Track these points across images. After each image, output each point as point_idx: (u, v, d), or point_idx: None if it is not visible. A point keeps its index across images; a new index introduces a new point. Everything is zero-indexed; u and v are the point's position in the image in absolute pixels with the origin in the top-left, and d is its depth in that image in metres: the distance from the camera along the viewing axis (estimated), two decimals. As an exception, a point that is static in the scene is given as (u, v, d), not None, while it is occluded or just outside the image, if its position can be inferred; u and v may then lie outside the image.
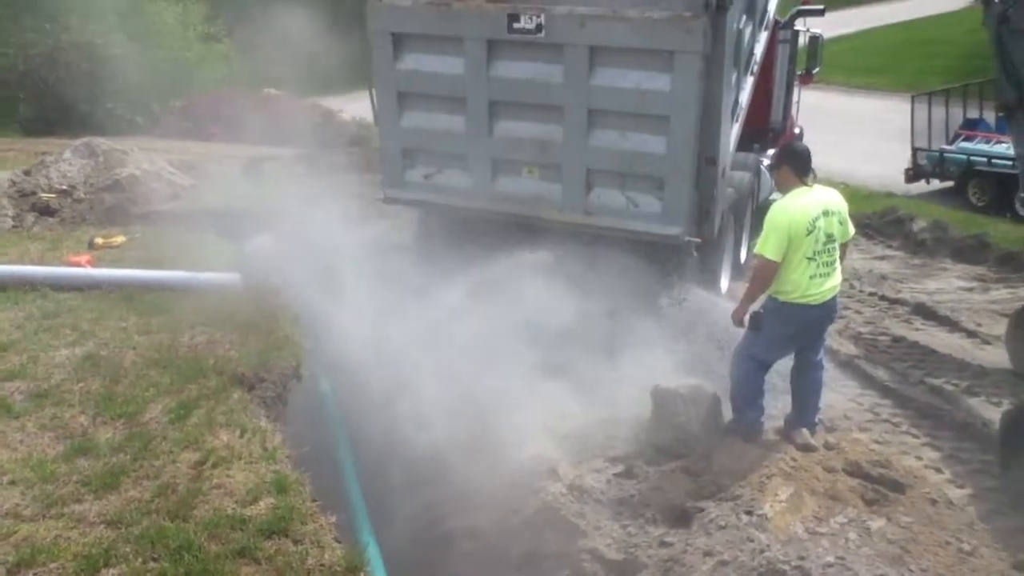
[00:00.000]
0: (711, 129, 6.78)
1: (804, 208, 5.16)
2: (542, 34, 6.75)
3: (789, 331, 5.36)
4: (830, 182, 14.84)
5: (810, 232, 5.13)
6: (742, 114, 8.01)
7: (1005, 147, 13.16)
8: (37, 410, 4.85)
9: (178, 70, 22.41)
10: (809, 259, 5.16)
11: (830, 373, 6.37)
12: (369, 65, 7.76)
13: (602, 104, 6.79)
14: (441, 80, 7.27)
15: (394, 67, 7.42)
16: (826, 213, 5.22)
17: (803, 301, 5.22)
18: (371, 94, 7.84)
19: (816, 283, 5.20)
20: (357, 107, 19.47)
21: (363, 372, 6.12)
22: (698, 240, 7.08)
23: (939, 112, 15.11)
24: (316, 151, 15.59)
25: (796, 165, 5.31)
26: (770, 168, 5.63)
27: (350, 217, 9.87)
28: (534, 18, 6.75)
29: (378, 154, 8.34)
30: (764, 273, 5.23)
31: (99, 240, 8.51)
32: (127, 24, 21.08)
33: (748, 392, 5.51)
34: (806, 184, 5.30)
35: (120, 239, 8.64)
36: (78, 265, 7.44)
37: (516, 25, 6.81)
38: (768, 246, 5.14)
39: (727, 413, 5.74)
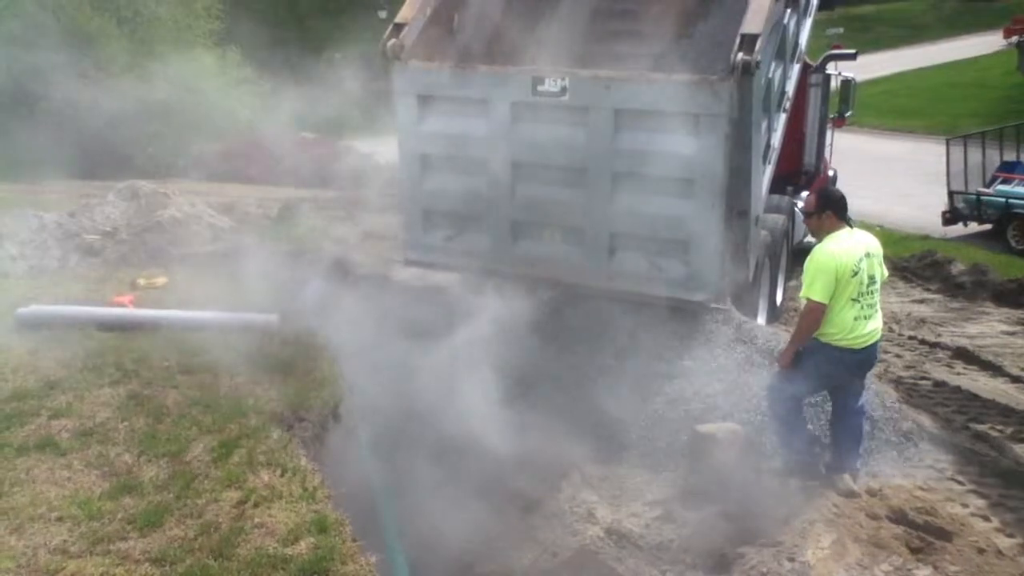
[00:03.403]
0: (741, 184, 6.69)
1: (848, 250, 5.23)
2: (566, 97, 6.69)
3: (830, 371, 5.40)
4: (865, 225, 14.80)
5: (855, 274, 5.20)
6: (775, 155, 7.99)
7: (1044, 190, 13.07)
8: (83, 448, 4.92)
9: (217, 113, 22.89)
10: (854, 300, 5.22)
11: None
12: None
13: (626, 167, 6.69)
14: (464, 142, 7.23)
15: (418, 129, 7.37)
16: (868, 255, 5.31)
17: (847, 344, 5.28)
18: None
19: (860, 325, 5.27)
20: (392, 150, 19.77)
21: (400, 413, 6.17)
22: (725, 307, 6.99)
23: (975, 155, 15.04)
24: (352, 193, 15.82)
25: (837, 209, 5.38)
26: (806, 214, 5.51)
27: (385, 258, 10.04)
28: (559, 81, 6.70)
29: (401, 215, 8.23)
30: (813, 316, 5.26)
31: (141, 281, 8.65)
32: (168, 69, 21.60)
33: (795, 427, 5.52)
34: (848, 226, 5.36)
35: (162, 280, 8.78)
36: (121, 305, 7.57)
37: (540, 88, 6.76)
38: (815, 289, 5.20)
39: (765, 455, 5.70)
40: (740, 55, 6.06)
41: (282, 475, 4.65)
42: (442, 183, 7.51)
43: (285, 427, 5.26)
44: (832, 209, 5.35)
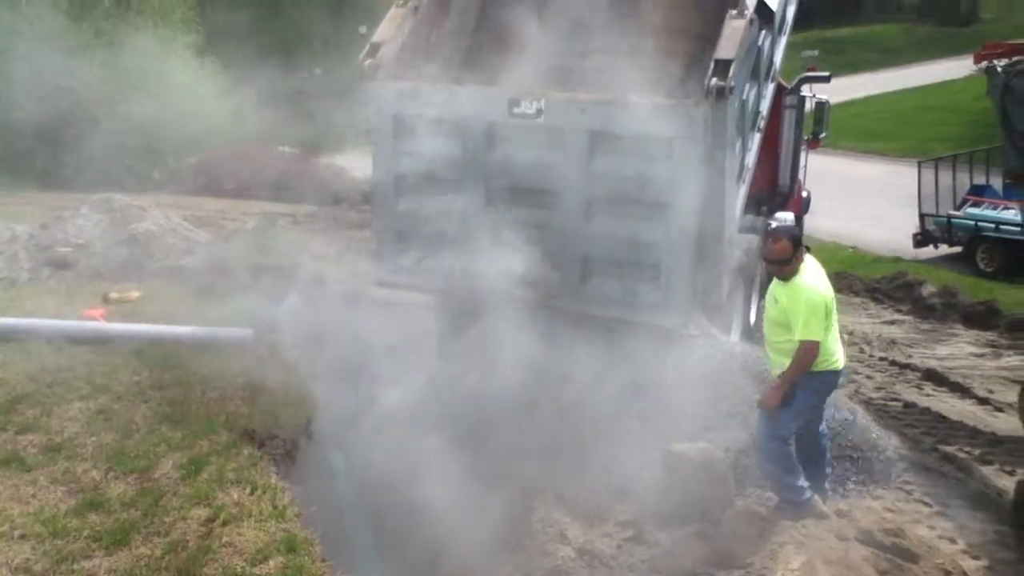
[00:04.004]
0: (715, 206, 6.71)
1: (823, 281, 5.34)
2: (542, 119, 6.70)
3: (818, 400, 5.49)
4: (838, 246, 15.02)
5: (833, 301, 5.34)
6: (749, 175, 8.05)
7: (1012, 213, 13.26)
8: (50, 464, 4.87)
9: (194, 127, 22.81)
10: (831, 325, 5.32)
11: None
12: None
13: (601, 190, 6.69)
14: (440, 162, 7.19)
15: (394, 148, 7.33)
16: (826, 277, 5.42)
17: (831, 367, 5.35)
18: None
19: (838, 346, 5.40)
20: (368, 165, 19.76)
21: (372, 431, 6.14)
22: (697, 332, 6.99)
23: (946, 178, 15.25)
24: (328, 208, 15.81)
25: (801, 244, 5.44)
26: (781, 262, 5.32)
27: (361, 274, 10.01)
28: (535, 103, 6.69)
29: (374, 234, 8.19)
30: (811, 355, 5.21)
31: (114, 294, 8.59)
32: (146, 81, 21.52)
33: (787, 466, 5.44)
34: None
35: (135, 294, 8.72)
36: (93, 319, 7.51)
37: (516, 109, 6.75)
38: (812, 329, 5.15)
39: (738, 478, 5.72)
40: (714, 80, 6.10)
41: (252, 493, 4.62)
42: (417, 203, 7.45)
43: (256, 444, 5.24)
44: (800, 247, 5.37)
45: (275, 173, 19.96)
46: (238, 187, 19.74)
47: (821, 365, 5.28)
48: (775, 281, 5.41)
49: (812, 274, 5.29)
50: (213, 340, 6.93)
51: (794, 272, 5.26)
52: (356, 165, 20.70)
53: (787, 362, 5.25)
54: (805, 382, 5.30)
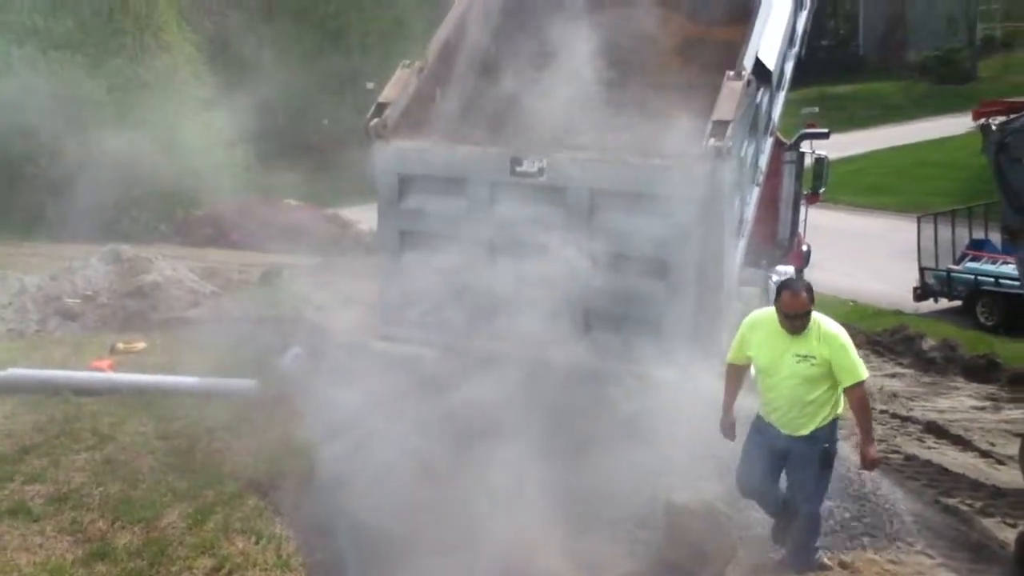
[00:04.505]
0: (714, 260, 6.76)
1: None
2: (544, 177, 6.80)
3: None
4: (839, 300, 15.10)
5: None
6: (747, 228, 8.16)
7: (1011, 268, 13.35)
8: (57, 514, 4.92)
9: (201, 179, 23.08)
10: None
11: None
12: None
13: (602, 246, 6.73)
14: (444, 220, 7.26)
15: (398, 206, 7.42)
16: None
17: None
18: None
19: None
20: (374, 217, 19.95)
21: (374, 483, 6.17)
22: (697, 382, 7.05)
23: (945, 232, 15.44)
24: (335, 260, 15.95)
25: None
26: (802, 315, 5.25)
27: (365, 327, 10.09)
28: (536, 162, 6.80)
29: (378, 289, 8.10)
30: (866, 395, 5.30)
31: (120, 345, 8.68)
32: (155, 134, 21.86)
33: (819, 529, 5.53)
34: None
35: (141, 345, 8.82)
36: (100, 370, 7.59)
37: (519, 168, 6.85)
38: (862, 367, 5.17)
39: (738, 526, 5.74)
40: (712, 141, 6.21)
41: (257, 542, 4.67)
42: (420, 259, 7.44)
43: (261, 494, 5.28)
44: (813, 303, 5.25)
45: (281, 225, 20.16)
46: (244, 239, 19.90)
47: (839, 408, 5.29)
48: (790, 340, 5.21)
49: (825, 318, 5.28)
50: (218, 391, 6.99)
51: (806, 325, 5.17)
52: (361, 217, 20.95)
53: (816, 419, 5.20)
54: (834, 430, 5.32)
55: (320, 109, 28.78)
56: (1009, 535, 6.04)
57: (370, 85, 23.69)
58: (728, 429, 5.67)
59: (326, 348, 8.59)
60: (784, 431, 5.33)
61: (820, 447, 5.28)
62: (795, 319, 5.16)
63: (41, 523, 4.83)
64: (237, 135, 24.83)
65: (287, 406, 6.97)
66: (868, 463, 5.35)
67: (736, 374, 5.69)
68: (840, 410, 5.31)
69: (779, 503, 5.56)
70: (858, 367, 5.11)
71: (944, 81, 40.86)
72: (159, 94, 23.07)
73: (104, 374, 7.42)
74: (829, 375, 5.11)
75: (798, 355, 5.14)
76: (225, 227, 21.02)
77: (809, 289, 5.29)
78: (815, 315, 5.23)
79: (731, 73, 6.76)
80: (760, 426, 5.52)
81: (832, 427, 5.32)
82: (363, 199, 22.23)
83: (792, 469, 5.40)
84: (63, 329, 9.79)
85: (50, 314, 10.24)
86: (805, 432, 5.26)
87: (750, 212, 8.23)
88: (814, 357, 5.10)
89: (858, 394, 5.15)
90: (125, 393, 7.05)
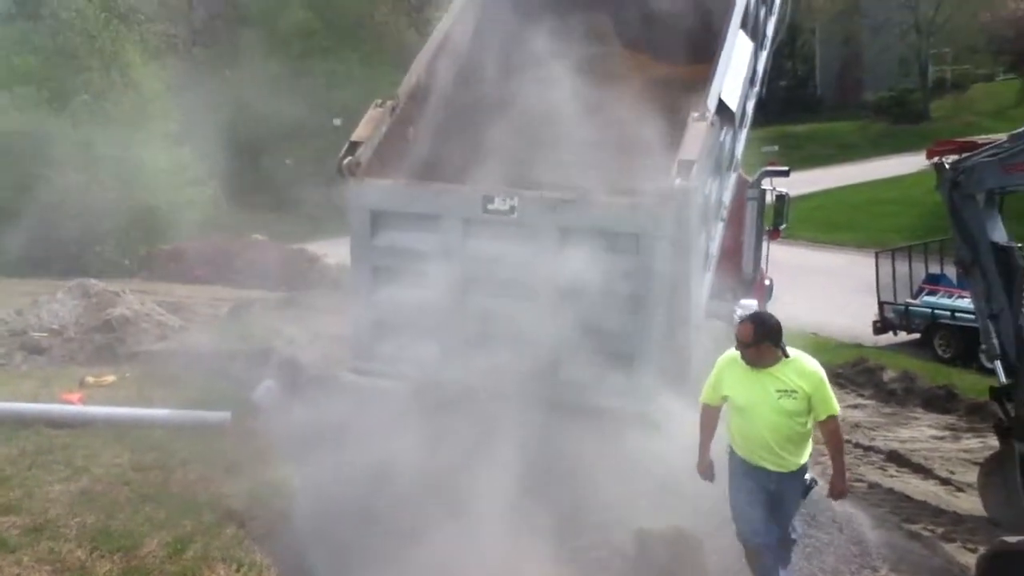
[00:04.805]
0: (681, 295, 6.95)
1: None
2: (515, 215, 6.92)
3: None
4: (802, 333, 15.36)
5: None
6: (713, 262, 8.37)
7: (966, 301, 13.73)
8: (33, 544, 4.90)
9: (167, 213, 23.00)
10: None
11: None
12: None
13: (572, 282, 6.81)
14: (417, 256, 7.31)
15: (371, 243, 7.45)
16: None
17: None
18: None
19: None
20: (341, 252, 20.01)
21: (351, 511, 6.21)
22: (665, 417, 7.16)
23: (903, 267, 15.81)
24: (302, 295, 15.93)
25: (775, 339, 5.28)
26: (743, 344, 5.35)
27: (335, 360, 10.13)
28: (508, 200, 6.92)
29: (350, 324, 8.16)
30: (840, 427, 5.38)
31: (90, 379, 8.62)
32: (121, 169, 21.82)
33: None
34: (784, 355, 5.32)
35: (111, 378, 8.76)
36: (70, 403, 7.55)
37: (491, 206, 6.96)
38: (836, 401, 5.28)
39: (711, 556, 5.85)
40: (678, 181, 6.40)
41: (238, 570, 4.70)
42: (393, 295, 7.51)
43: (239, 523, 5.30)
44: (770, 340, 5.24)
45: (247, 260, 20.14)
46: (209, 274, 19.86)
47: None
48: (766, 376, 5.23)
49: (805, 356, 5.34)
50: (193, 423, 7.00)
51: (762, 364, 5.21)
52: (328, 252, 20.98)
53: (802, 452, 5.30)
54: (805, 467, 5.38)
55: (286, 146, 28.90)
56: (969, 560, 6.23)
57: (337, 122, 23.90)
58: (706, 471, 5.67)
59: (298, 381, 8.64)
60: (776, 469, 5.30)
61: (803, 479, 5.40)
62: (744, 348, 5.26)
63: (17, 554, 4.80)
64: (203, 171, 24.87)
65: (262, 438, 6.99)
66: (836, 493, 5.50)
67: (711, 416, 5.68)
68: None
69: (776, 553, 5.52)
70: (833, 401, 5.22)
71: (898, 121, 42.00)
72: (125, 130, 23.05)
73: (77, 407, 7.38)
74: (808, 409, 5.17)
75: (780, 390, 5.16)
76: (190, 262, 20.94)
77: (759, 324, 5.31)
78: (793, 351, 5.30)
79: (696, 114, 6.99)
80: (747, 470, 5.42)
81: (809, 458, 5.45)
82: (328, 234, 22.33)
83: (782, 504, 5.45)
84: (29, 363, 9.71)
85: (15, 348, 10.16)
86: (796, 467, 5.32)
87: (715, 247, 8.44)
88: (796, 392, 5.13)
89: (832, 427, 5.27)
90: (97, 426, 7.01)
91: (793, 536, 5.61)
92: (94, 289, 11.63)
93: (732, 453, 5.54)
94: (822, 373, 5.25)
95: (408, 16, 39.78)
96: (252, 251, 20.90)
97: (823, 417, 5.20)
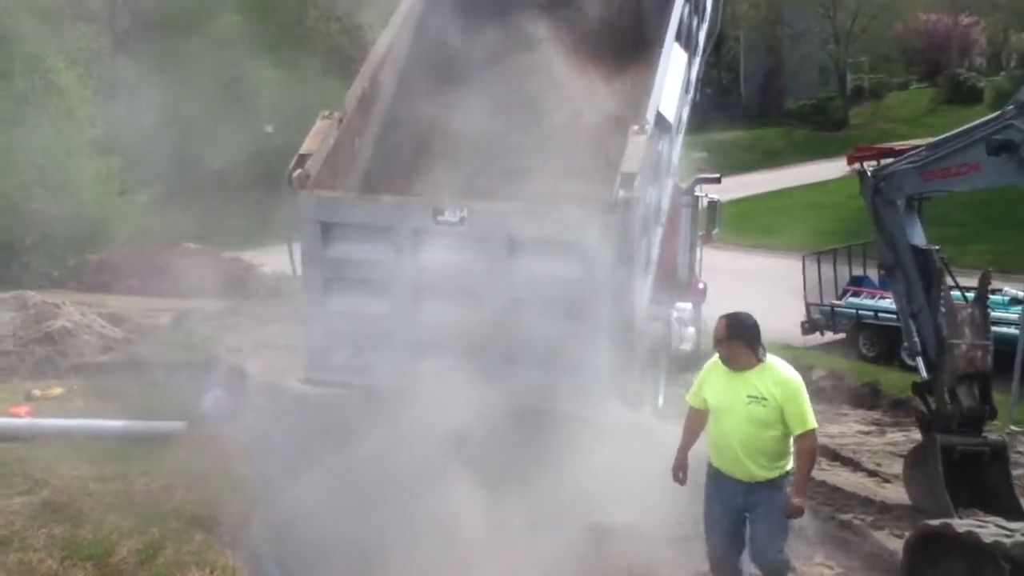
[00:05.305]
0: (625, 299, 7.20)
1: None
2: (465, 226, 7.09)
3: None
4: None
5: None
6: (653, 267, 8.69)
7: (889, 302, 14.37)
8: (2, 556, 4.93)
9: (96, 223, 22.53)
10: None
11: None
12: (287, 220, 7.92)
13: (522, 291, 7.07)
14: (368, 267, 7.44)
15: (322, 254, 7.55)
16: None
17: None
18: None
19: None
20: (276, 260, 19.93)
21: (310, 517, 6.33)
22: (614, 417, 7.36)
23: (828, 270, 16.42)
24: (239, 304, 15.86)
25: (748, 338, 5.16)
26: (715, 340, 5.33)
27: (284, 369, 10.19)
28: (458, 211, 7.09)
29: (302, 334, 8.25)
30: (817, 443, 5.09)
31: (37, 392, 8.56)
32: (47, 177, 21.31)
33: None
34: (759, 359, 5.15)
35: (58, 391, 8.72)
36: (18, 416, 7.51)
37: (441, 218, 7.13)
38: (813, 415, 4.98)
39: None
40: (621, 192, 6.68)
41: (211, 573, 4.81)
42: (345, 305, 7.64)
43: (207, 529, 5.40)
44: (742, 339, 5.11)
45: (181, 269, 19.85)
46: (142, 284, 19.49)
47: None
48: (743, 380, 5.08)
49: (782, 362, 5.18)
50: (148, 433, 7.04)
51: (736, 364, 5.10)
52: (264, 260, 20.83)
53: (774, 465, 5.04)
54: (784, 481, 5.07)
55: (216, 153, 28.49)
56: (897, 545, 6.60)
57: (268, 128, 23.73)
58: (678, 471, 5.41)
59: (246, 391, 8.72)
60: (745, 480, 5.11)
61: (783, 493, 5.06)
62: (717, 344, 5.20)
63: (-15, 566, 4.84)
64: (132, 179, 24.39)
65: (217, 447, 7.07)
66: (792, 510, 5.07)
67: (692, 419, 5.43)
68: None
69: (738, 571, 5.37)
70: (809, 415, 4.94)
71: (820, 128, 43.46)
72: (50, 137, 22.53)
73: (29, 419, 7.35)
74: (781, 421, 4.94)
75: (750, 395, 4.98)
76: (121, 273, 20.52)
77: (736, 319, 5.19)
78: (772, 358, 5.16)
79: (635, 127, 7.28)
80: (717, 478, 5.26)
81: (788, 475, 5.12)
82: (263, 242, 22.17)
83: (757, 520, 5.16)
84: (-32, 378, 9.56)
85: (-47, 363, 9.99)
86: (762, 477, 5.05)
87: (655, 251, 8.78)
88: (766, 399, 4.94)
89: (807, 444, 4.98)
90: (48, 438, 7.00)
91: (781, 558, 5.21)
92: (32, 301, 11.47)
93: (709, 460, 5.34)
94: (799, 383, 5.03)
95: (338, 21, 39.66)
96: (186, 260, 20.59)
97: (797, 431, 4.94)
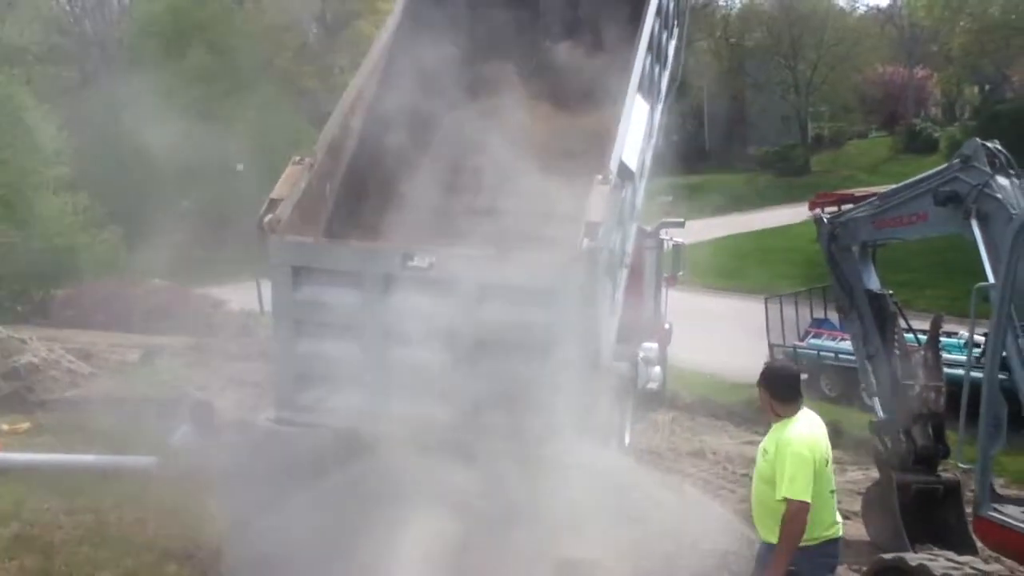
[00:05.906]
0: (591, 341, 7.32)
1: (816, 434, 4.79)
2: (434, 272, 7.11)
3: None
4: (698, 374, 16.13)
5: (827, 463, 4.79)
6: (619, 307, 8.89)
7: (848, 344, 14.70)
8: (-26, 587, 4.96)
9: (61, 259, 22.41)
10: (832, 493, 4.88)
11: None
12: (255, 258, 7.99)
13: (490, 335, 7.09)
14: (338, 310, 7.45)
15: (293, 298, 7.54)
16: (824, 435, 4.89)
17: (828, 535, 4.78)
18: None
19: (833, 511, 4.89)
20: (244, 297, 19.94)
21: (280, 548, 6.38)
22: (583, 458, 7.52)
23: (790, 312, 16.72)
24: (207, 340, 15.84)
25: (775, 390, 4.91)
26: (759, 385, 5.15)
27: (252, 405, 10.23)
28: (427, 257, 7.12)
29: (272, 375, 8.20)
30: (800, 518, 4.48)
31: (4, 427, 8.55)
32: (12, 213, 21.23)
33: None
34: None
35: (25, 425, 8.70)
36: (-14, 451, 7.51)
37: (410, 263, 7.15)
38: (799, 485, 4.46)
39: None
40: (586, 241, 6.76)
41: (188, 603, 4.86)
42: (315, 347, 7.62)
43: (178, 562, 5.45)
44: (764, 386, 4.91)
45: (148, 305, 19.80)
46: (108, 320, 19.40)
47: (824, 533, 4.71)
48: (768, 434, 4.88)
49: (804, 425, 4.72)
50: (119, 468, 7.07)
51: (778, 415, 4.80)
52: (232, 297, 20.81)
53: (775, 528, 4.61)
54: (800, 561, 4.55)
55: (187, 191, 28.48)
56: (856, 579, 6.82)
57: (239, 167, 23.83)
58: None
59: (214, 427, 8.75)
60: (762, 539, 4.91)
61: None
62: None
63: (-42, 597, 4.86)
64: (100, 215, 24.34)
65: (187, 482, 7.10)
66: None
67: None
68: (824, 532, 4.74)
69: None
70: (786, 482, 4.49)
71: (783, 174, 44.32)
72: (17, 173, 22.47)
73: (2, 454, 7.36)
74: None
75: (762, 448, 4.82)
76: (87, 308, 20.43)
77: (768, 366, 5.06)
78: (802, 414, 4.82)
79: (600, 177, 7.45)
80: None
81: (803, 551, 4.59)
82: (231, 278, 22.13)
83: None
84: (-67, 413, 9.49)
85: (-83, 397, 9.92)
86: (770, 540, 4.72)
87: (620, 293, 9.00)
88: (767, 453, 4.73)
89: (785, 513, 4.52)
90: (16, 473, 7.01)
91: None
92: (-2, 336, 11.43)
93: None
94: (795, 445, 4.59)
95: (311, 64, 40.01)
96: (153, 296, 20.55)
97: (777, 496, 4.55)
